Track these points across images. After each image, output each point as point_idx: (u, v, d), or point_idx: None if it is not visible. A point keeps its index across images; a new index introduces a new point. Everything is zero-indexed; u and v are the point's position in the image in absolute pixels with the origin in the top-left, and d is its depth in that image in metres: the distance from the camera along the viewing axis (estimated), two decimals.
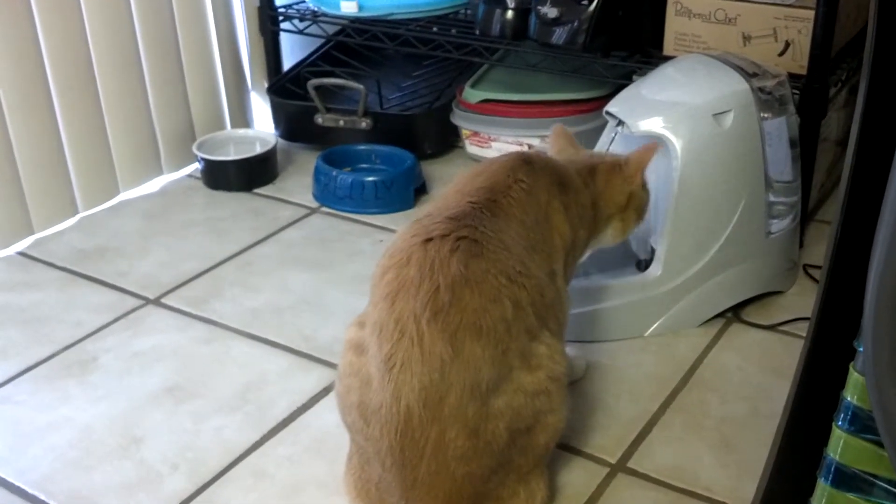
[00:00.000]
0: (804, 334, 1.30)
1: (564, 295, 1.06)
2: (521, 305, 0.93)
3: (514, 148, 1.76)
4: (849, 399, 0.65)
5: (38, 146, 1.63)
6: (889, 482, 0.63)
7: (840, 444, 0.66)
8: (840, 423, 0.66)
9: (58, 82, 1.64)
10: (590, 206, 1.13)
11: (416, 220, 1.01)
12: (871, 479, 0.65)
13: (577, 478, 1.09)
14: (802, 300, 1.42)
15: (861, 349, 0.64)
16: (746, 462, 1.10)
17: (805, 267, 1.49)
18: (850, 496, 0.68)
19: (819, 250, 1.53)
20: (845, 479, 0.66)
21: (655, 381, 1.25)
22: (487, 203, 0.99)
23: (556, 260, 1.05)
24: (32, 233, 1.65)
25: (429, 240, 0.93)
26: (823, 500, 0.70)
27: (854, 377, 0.65)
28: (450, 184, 1.09)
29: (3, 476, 1.12)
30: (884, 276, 0.55)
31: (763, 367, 1.27)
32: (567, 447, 1.11)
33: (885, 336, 0.56)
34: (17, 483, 1.10)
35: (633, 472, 1.10)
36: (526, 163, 1.06)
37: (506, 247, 0.96)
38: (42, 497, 1.08)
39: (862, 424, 0.65)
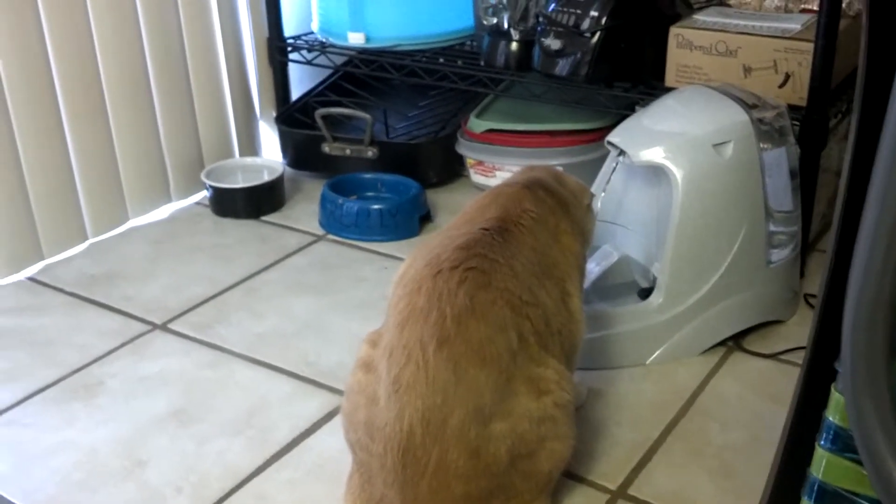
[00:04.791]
0: None
1: (578, 317, 1.08)
2: (524, 336, 0.96)
3: None
4: (830, 419, 0.66)
5: (49, 173, 1.65)
6: (870, 500, 0.64)
7: (823, 464, 0.68)
8: (822, 442, 0.67)
9: (69, 110, 1.67)
10: (581, 216, 1.16)
11: (424, 247, 1.03)
12: (853, 497, 0.66)
13: None
14: (803, 329, 1.42)
15: (841, 369, 0.65)
16: (746, 489, 1.10)
17: (806, 296, 1.49)
18: None
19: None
20: (828, 497, 0.67)
21: (656, 409, 1.26)
22: (499, 230, 1.02)
23: (571, 280, 1.07)
24: (42, 258, 1.67)
25: (439, 272, 0.95)
26: None
27: (836, 397, 0.66)
28: (455, 213, 1.10)
29: (9, 497, 1.13)
30: (860, 295, 0.56)
31: (763, 396, 1.28)
32: (568, 473, 1.12)
33: (862, 352, 0.57)
34: None
35: (634, 499, 1.11)
36: (531, 191, 1.09)
37: (515, 274, 0.98)
38: None
39: (843, 444, 0.66)
